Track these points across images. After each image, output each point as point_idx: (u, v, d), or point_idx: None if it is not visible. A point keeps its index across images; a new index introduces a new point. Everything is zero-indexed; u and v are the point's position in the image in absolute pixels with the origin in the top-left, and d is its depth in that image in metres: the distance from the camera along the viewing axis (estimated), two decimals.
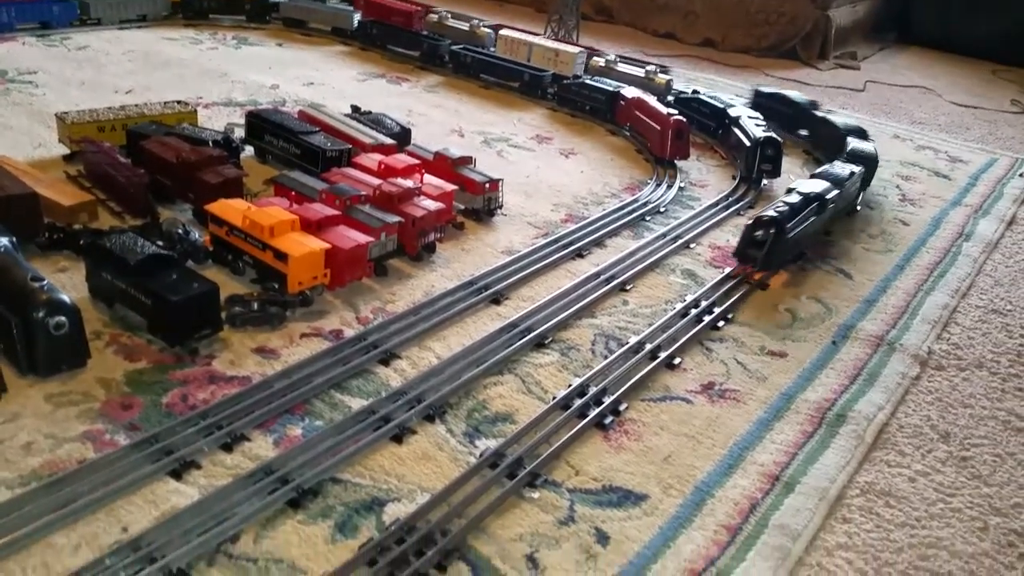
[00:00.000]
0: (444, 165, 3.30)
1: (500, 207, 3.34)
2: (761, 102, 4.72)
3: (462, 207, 3.28)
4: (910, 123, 5.50)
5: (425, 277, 2.82)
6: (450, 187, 3.12)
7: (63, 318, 2.05)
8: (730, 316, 2.78)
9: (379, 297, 2.67)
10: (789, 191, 3.21)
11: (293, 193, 2.87)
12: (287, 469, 1.86)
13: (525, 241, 3.16)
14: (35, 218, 2.63)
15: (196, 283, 2.27)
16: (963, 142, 5.19)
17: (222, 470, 1.89)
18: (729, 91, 5.28)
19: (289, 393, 2.13)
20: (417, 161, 3.24)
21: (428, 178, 3.14)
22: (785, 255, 3.06)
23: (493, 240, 3.15)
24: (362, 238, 2.64)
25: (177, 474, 1.85)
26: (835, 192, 3.26)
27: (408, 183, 2.98)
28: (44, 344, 2.06)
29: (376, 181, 2.98)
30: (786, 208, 3.02)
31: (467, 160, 3.39)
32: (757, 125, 4.08)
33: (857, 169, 3.53)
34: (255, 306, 2.41)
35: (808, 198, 3.15)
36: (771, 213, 2.97)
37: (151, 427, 1.97)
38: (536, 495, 1.93)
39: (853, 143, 3.89)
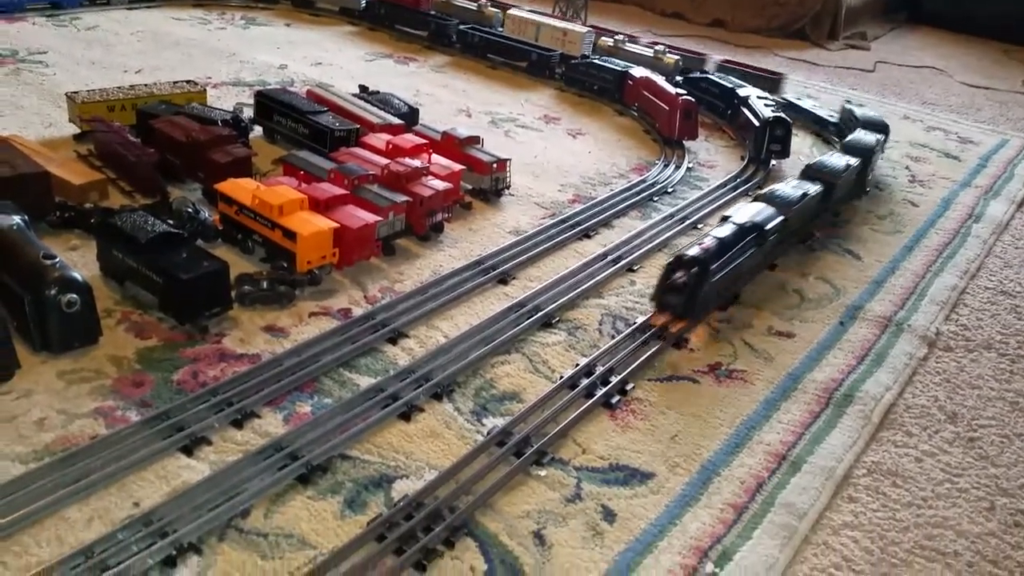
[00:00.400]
0: (452, 145, 3.30)
1: (507, 187, 3.33)
2: (844, 117, 4.49)
3: (469, 187, 3.28)
4: (920, 104, 5.46)
5: (432, 257, 2.83)
6: (458, 167, 3.11)
7: (75, 296, 2.07)
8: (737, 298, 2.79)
9: (387, 276, 2.67)
10: (724, 219, 2.74)
11: (302, 173, 2.88)
12: (296, 446, 1.88)
13: (532, 221, 3.16)
14: (46, 197, 2.64)
15: (206, 262, 2.29)
16: (973, 123, 5.15)
17: (232, 446, 1.90)
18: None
19: (298, 371, 2.14)
20: (425, 141, 3.24)
21: (436, 158, 3.14)
22: (711, 300, 2.60)
23: (500, 220, 3.15)
24: (370, 218, 2.65)
25: (188, 450, 1.87)
26: (778, 220, 2.77)
27: (416, 163, 2.98)
28: (56, 321, 2.07)
29: (384, 161, 2.99)
30: (714, 244, 2.55)
31: (475, 140, 3.38)
32: (766, 105, 4.06)
33: (813, 188, 3.06)
34: (264, 285, 2.42)
35: (743, 229, 2.67)
36: (694, 251, 2.50)
37: (162, 404, 1.98)
38: (543, 473, 1.94)
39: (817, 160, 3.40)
